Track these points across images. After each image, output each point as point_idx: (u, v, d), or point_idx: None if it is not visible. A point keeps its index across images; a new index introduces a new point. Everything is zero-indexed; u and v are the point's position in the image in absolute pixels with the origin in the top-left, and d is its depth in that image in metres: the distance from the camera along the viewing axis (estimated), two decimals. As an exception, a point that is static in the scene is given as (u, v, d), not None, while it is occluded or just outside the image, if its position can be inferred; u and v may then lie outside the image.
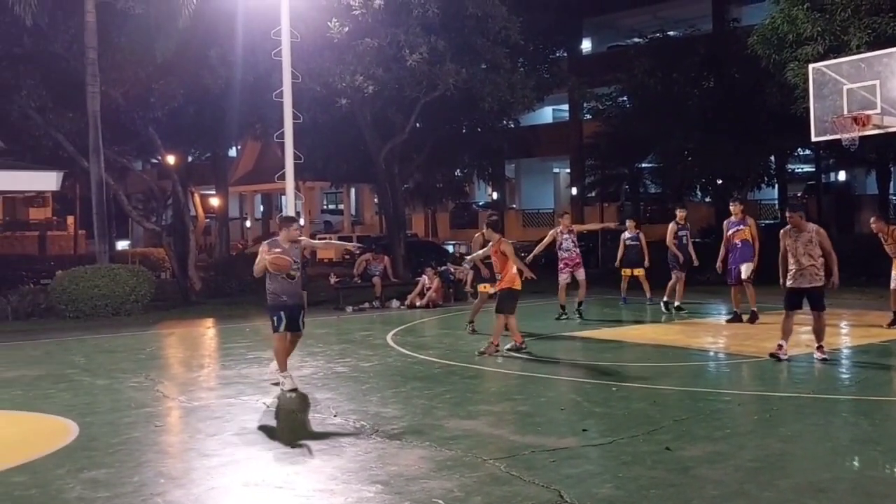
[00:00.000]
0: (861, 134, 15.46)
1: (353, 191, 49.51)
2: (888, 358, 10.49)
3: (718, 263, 13.70)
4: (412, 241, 31.13)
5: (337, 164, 29.21)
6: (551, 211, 44.22)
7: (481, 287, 13.56)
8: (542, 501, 5.16)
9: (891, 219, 13.01)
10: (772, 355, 9.83)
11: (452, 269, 19.83)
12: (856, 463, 5.89)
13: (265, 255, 8.55)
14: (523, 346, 10.82)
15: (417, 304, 17.83)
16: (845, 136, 15.51)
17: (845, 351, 10.93)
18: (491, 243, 10.99)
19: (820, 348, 9.84)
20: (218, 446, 6.67)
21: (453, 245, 35.63)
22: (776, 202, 34.39)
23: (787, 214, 9.97)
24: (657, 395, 8.28)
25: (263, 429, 7.28)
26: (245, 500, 5.46)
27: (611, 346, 11.70)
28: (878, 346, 11.22)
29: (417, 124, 24.53)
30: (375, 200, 40.51)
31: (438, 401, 8.19)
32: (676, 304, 15.46)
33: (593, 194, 36.50)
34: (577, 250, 14.94)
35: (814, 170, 35.24)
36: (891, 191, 32.83)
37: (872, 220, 12.86)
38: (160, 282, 22.84)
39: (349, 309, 17.46)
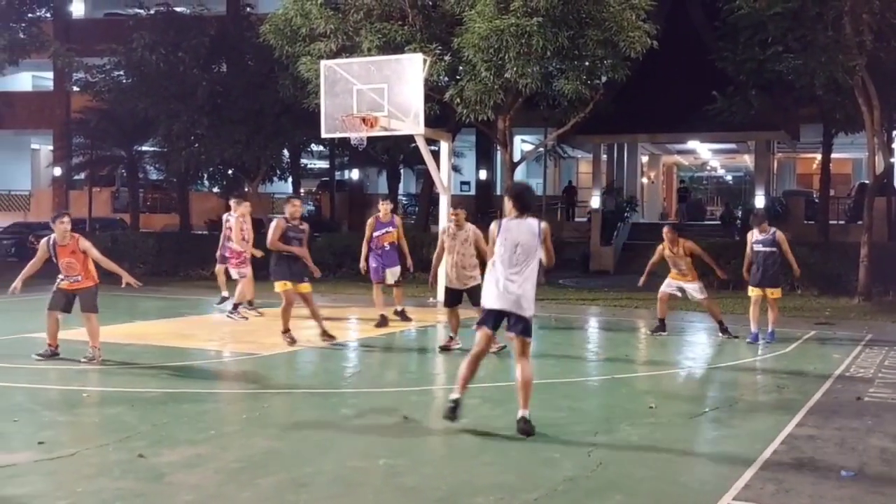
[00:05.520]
0: (369, 134, 17.05)
1: None
2: (390, 352, 11.66)
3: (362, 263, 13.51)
4: None
5: None
6: (28, 193, 41.00)
7: None
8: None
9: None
10: (442, 348, 11.01)
11: None
12: (338, 455, 6.35)
13: None
14: None
15: None
16: (354, 135, 16.96)
17: (351, 345, 11.91)
18: None
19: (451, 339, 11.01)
20: None
21: None
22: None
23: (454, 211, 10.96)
24: (137, 398, 8.07)
25: None
26: None
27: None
28: (382, 339, 12.41)
29: None
30: None
31: None
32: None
33: (82, 176, 34.67)
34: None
35: (328, 166, 37.91)
36: (400, 191, 36.81)
37: (665, 230, 13.14)
38: None
39: None
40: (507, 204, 7.09)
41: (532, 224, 6.91)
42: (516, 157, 24.04)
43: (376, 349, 11.85)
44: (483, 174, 35.26)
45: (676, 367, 10.64)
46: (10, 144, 42.61)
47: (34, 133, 41.10)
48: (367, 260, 13.41)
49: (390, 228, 13.40)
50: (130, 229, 30.25)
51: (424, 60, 16.75)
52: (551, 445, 6.56)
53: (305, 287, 11.38)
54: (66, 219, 9.90)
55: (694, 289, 12.73)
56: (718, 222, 33.49)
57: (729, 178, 54.14)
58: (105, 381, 9.02)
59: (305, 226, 11.58)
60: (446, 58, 18.26)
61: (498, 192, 31.01)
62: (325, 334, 11.49)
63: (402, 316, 13.71)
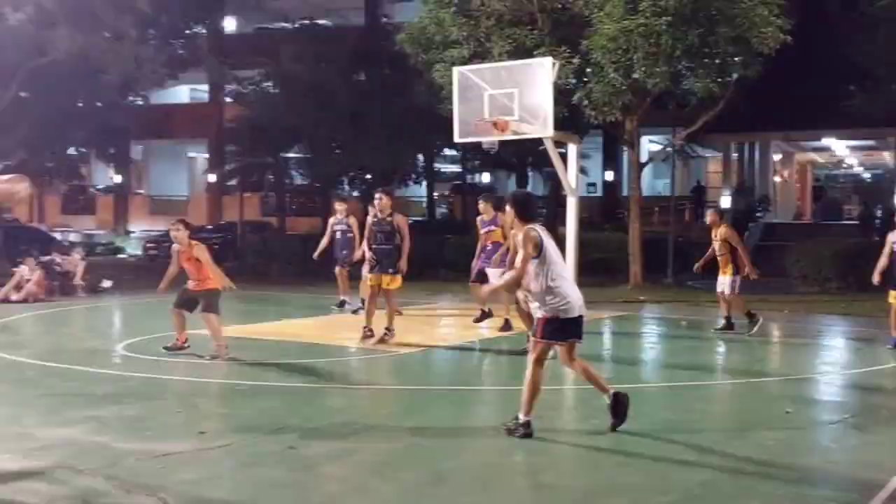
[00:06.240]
0: (500, 139, 17.03)
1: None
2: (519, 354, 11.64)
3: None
4: (11, 227, 28.56)
5: None
6: (185, 198, 43.02)
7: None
8: (145, 511, 4.97)
9: (724, 216, 13.16)
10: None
11: (59, 260, 18.43)
12: (475, 452, 6.42)
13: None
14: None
15: (13, 297, 16.46)
16: (486, 139, 17.01)
17: (481, 344, 11.99)
18: None
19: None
20: None
21: (61, 232, 33.22)
22: (425, 199, 36.76)
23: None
24: (288, 392, 8.40)
25: None
26: None
27: (243, 342, 11.57)
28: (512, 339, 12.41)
29: (21, 93, 22.59)
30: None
31: (29, 407, 7.60)
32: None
33: (234, 183, 36.15)
34: None
35: (460, 170, 38.21)
36: (529, 193, 36.69)
37: (709, 212, 13.14)
38: None
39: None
40: (512, 212, 6.79)
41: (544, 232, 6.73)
42: (643, 157, 23.64)
43: (504, 349, 11.80)
44: (609, 175, 34.76)
45: (814, 373, 10.24)
46: (169, 153, 44.95)
47: (191, 142, 43.10)
48: (479, 260, 13.01)
49: (492, 227, 12.86)
50: (278, 232, 31.32)
51: (553, 64, 16.66)
52: (685, 448, 6.44)
53: (385, 280, 11.28)
54: (179, 226, 10.24)
55: (723, 282, 12.31)
56: (856, 222, 31.96)
57: (867, 175, 51.56)
58: (256, 375, 9.35)
59: (396, 218, 11.44)
60: (574, 60, 18.14)
61: (624, 193, 30.48)
62: (387, 331, 11.29)
63: (483, 314, 13.08)
